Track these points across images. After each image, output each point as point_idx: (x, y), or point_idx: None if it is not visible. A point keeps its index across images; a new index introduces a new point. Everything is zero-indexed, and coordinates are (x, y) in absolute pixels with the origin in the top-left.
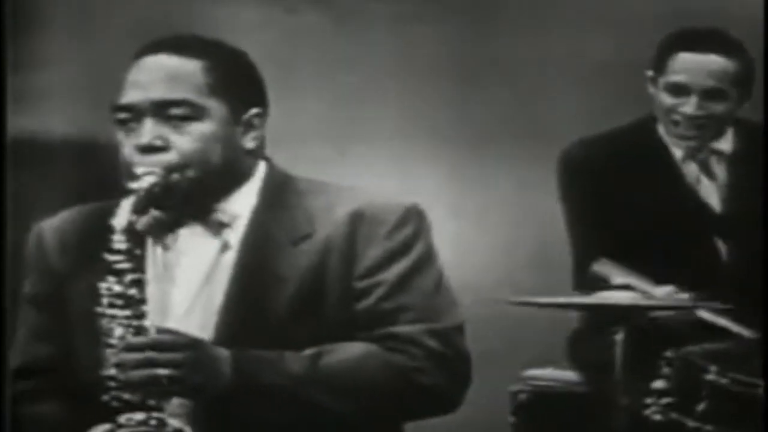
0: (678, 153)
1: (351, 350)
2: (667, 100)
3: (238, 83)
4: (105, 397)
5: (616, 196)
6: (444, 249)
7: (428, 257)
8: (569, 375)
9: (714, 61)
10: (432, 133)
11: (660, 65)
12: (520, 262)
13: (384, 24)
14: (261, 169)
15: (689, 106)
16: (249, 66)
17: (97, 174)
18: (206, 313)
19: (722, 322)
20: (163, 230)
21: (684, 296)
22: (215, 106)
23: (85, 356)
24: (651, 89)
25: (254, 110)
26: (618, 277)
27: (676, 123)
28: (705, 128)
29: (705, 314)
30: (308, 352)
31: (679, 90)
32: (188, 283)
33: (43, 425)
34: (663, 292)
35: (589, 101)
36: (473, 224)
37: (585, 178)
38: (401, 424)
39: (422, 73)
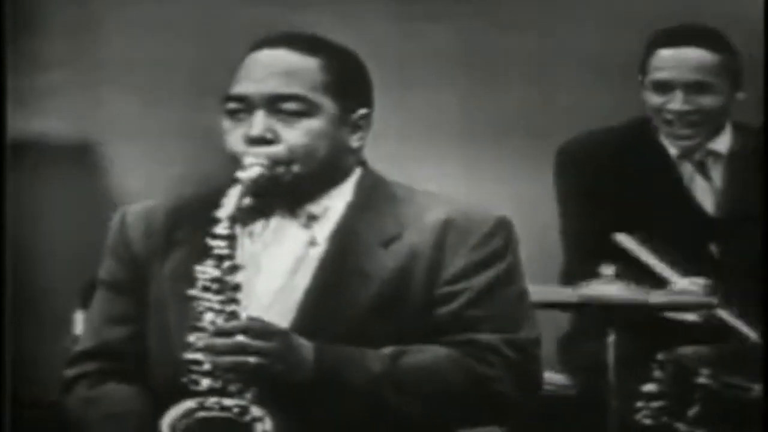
0: (674, 152)
1: (430, 352)
2: (654, 99)
3: (350, 83)
4: (184, 380)
5: (610, 194)
6: None
7: (514, 270)
8: (559, 377)
9: (693, 54)
10: (435, 130)
11: (644, 65)
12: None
13: (388, 21)
14: (357, 170)
15: (675, 102)
16: (362, 68)
17: (98, 174)
18: (287, 304)
19: (734, 322)
20: (254, 219)
21: (701, 288)
22: (327, 104)
23: (159, 340)
24: (642, 91)
25: (362, 111)
26: (641, 255)
27: (669, 122)
28: (699, 125)
29: (721, 313)
30: (388, 350)
31: (662, 87)
32: (273, 274)
33: (104, 406)
34: (683, 284)
35: (601, 98)
36: None
37: (579, 175)
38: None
39: (426, 70)
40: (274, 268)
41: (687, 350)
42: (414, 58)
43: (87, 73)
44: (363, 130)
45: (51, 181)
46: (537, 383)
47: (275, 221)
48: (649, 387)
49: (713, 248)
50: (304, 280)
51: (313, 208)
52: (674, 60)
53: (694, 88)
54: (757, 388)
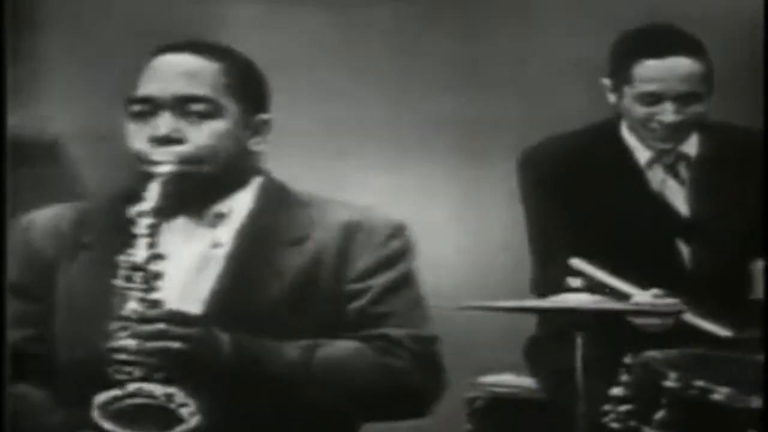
0: (644, 155)
1: (344, 346)
2: (640, 110)
3: (251, 88)
4: (109, 370)
5: (576, 198)
6: (441, 249)
7: (413, 273)
8: (527, 381)
9: (682, 64)
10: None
11: (622, 73)
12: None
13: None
14: (259, 176)
15: (666, 113)
16: (260, 74)
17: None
18: (194, 302)
19: (703, 324)
20: (160, 219)
21: (666, 301)
22: (231, 106)
23: (70, 337)
24: (612, 97)
25: (263, 116)
26: (598, 275)
27: (653, 130)
28: (682, 130)
29: (688, 317)
30: (303, 342)
31: (652, 99)
32: (179, 273)
33: (11, 405)
34: (644, 297)
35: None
36: (472, 228)
37: (545, 179)
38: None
39: (421, 72)
40: (180, 268)
41: (655, 353)
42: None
43: (86, 70)
44: (263, 134)
45: (51, 179)
46: (442, 378)
47: (180, 222)
48: (617, 390)
49: (683, 248)
50: (210, 278)
51: (218, 209)
52: (663, 71)
53: (684, 98)
54: (722, 391)
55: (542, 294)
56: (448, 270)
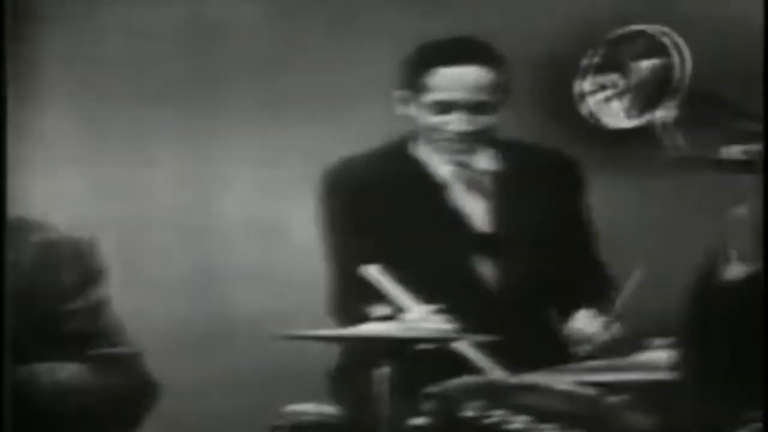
0: (442, 171)
1: (73, 367)
2: (432, 119)
3: None
4: None
5: (374, 220)
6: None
7: (107, 292)
8: (331, 409)
9: (473, 73)
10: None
11: (415, 83)
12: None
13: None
14: None
15: (456, 123)
16: None
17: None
18: None
19: (477, 358)
20: None
21: (442, 319)
22: None
23: None
24: (403, 109)
25: None
26: (384, 284)
27: (445, 140)
28: (473, 141)
29: (463, 347)
30: (46, 365)
31: (443, 108)
32: None
33: None
34: (418, 313)
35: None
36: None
37: (341, 200)
38: None
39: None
40: None
41: (456, 382)
42: None
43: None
44: None
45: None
46: (156, 386)
47: None
48: (418, 420)
49: (484, 268)
50: None
51: None
52: (455, 80)
53: (474, 107)
54: (520, 420)
55: (342, 321)
56: (254, 301)
